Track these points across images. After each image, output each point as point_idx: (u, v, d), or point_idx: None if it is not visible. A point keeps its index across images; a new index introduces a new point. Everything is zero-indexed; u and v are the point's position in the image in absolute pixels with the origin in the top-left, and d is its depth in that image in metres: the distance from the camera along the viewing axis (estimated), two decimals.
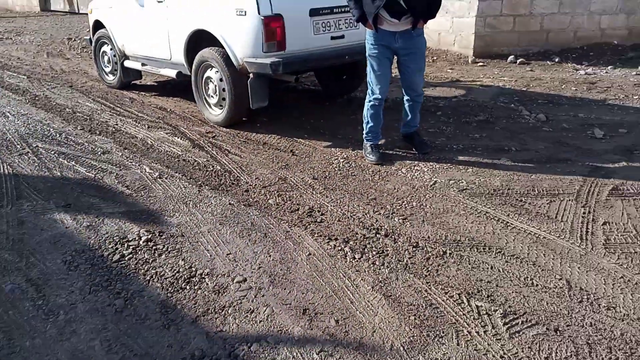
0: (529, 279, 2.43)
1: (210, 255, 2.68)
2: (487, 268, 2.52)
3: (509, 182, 3.45)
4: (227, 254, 2.69)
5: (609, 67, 6.77)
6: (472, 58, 7.30)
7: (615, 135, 4.35)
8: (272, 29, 4.13)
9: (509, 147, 4.12)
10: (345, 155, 4.01)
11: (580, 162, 3.76)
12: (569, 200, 3.19)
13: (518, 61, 7.11)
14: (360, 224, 2.96)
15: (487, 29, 7.28)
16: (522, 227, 2.88)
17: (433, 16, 3.64)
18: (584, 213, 3.02)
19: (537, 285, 2.38)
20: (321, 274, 2.49)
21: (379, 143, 4.03)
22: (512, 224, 2.93)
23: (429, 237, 2.81)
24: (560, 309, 2.20)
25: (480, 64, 7.19)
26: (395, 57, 3.78)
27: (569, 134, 4.42)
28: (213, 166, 3.85)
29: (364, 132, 3.97)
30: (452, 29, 7.51)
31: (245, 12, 4.16)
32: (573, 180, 3.45)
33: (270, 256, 2.66)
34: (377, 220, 3.00)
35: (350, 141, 4.31)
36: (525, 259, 2.59)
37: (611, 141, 4.22)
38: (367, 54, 3.75)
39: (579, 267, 2.49)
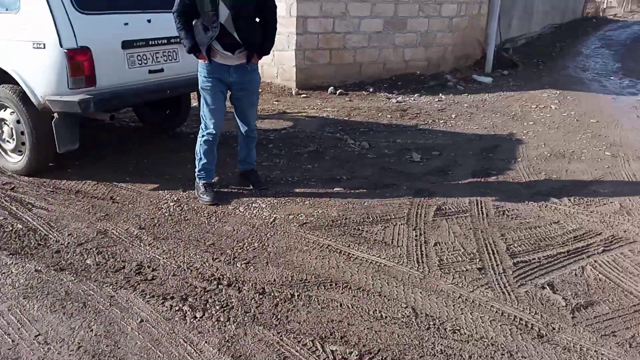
0: (377, 311, 2.40)
1: (13, 341, 2.15)
2: (337, 306, 2.44)
3: (345, 212, 3.48)
4: (36, 336, 2.19)
5: (416, 95, 7.48)
6: (295, 90, 7.48)
7: (429, 157, 4.73)
8: (78, 62, 3.66)
9: (340, 176, 4.20)
10: (175, 198, 3.68)
11: (405, 186, 3.98)
12: (401, 224, 3.31)
13: (337, 92, 7.47)
14: (199, 275, 2.68)
15: (306, 62, 7.54)
16: (363, 257, 2.89)
17: (267, 52, 3.58)
18: (416, 236, 3.16)
19: (386, 317, 2.36)
20: (157, 344, 2.16)
21: (213, 181, 3.79)
22: (353, 254, 2.92)
23: (274, 280, 2.65)
24: (412, 340, 2.20)
25: (304, 95, 7.39)
26: (229, 92, 3.63)
27: (391, 159, 4.69)
28: (12, 225, 3.21)
29: (197, 170, 3.70)
30: (274, 61, 7.62)
31: (44, 44, 3.64)
32: (401, 204, 3.62)
33: (92, 331, 2.23)
34: (217, 269, 2.74)
35: (181, 181, 3.99)
36: (371, 290, 2.57)
37: (427, 164, 4.57)
38: (199, 87, 3.56)
39: (420, 292, 2.55)
